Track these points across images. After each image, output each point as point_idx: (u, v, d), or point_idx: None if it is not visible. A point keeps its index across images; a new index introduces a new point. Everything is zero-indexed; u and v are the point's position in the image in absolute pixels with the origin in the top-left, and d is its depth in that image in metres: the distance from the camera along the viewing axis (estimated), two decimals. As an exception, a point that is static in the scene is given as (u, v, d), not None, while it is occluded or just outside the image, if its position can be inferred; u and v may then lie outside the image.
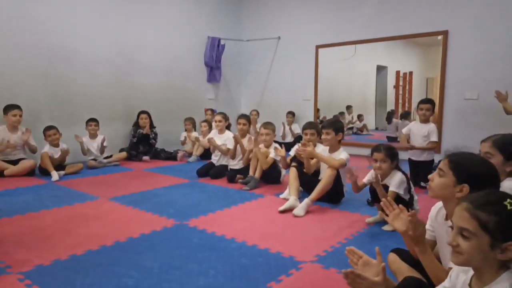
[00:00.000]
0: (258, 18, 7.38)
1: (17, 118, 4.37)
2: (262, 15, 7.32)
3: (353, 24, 6.14)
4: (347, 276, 1.25)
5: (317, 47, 6.59)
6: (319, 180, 3.15)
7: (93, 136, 5.01)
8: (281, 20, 7.05)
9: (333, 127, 3.21)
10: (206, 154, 5.44)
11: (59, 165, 4.38)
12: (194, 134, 5.91)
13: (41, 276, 1.88)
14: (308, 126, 3.50)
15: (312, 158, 3.28)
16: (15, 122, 4.37)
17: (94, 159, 4.97)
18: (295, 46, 6.87)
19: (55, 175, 4.13)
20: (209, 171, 4.33)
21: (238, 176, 4.07)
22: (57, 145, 4.43)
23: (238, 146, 4.20)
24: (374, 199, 2.66)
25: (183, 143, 6.10)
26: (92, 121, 5.01)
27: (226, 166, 4.35)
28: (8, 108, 4.38)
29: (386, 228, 2.57)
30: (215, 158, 4.50)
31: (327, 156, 3.19)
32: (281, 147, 3.69)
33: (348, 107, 7.02)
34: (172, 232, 2.55)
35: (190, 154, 5.74)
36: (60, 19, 4.98)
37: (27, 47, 4.70)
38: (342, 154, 3.17)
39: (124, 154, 5.38)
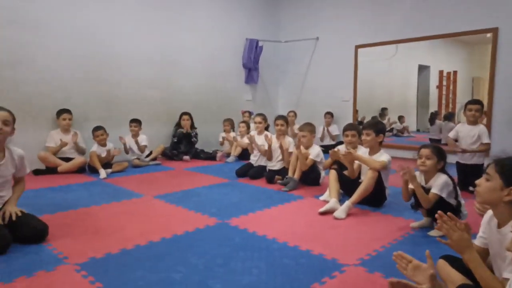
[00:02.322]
0: (296, 19, 7.38)
1: (67, 121, 4.70)
2: (300, 16, 7.31)
3: (394, 23, 6.00)
4: (393, 285, 1.24)
5: (357, 47, 6.49)
6: (359, 183, 3.11)
7: (134, 136, 5.23)
8: (320, 20, 7.00)
9: (374, 129, 3.15)
10: (244, 154, 5.52)
11: (106, 164, 4.60)
12: (232, 134, 6.01)
13: (95, 268, 2.00)
14: (349, 127, 3.46)
15: (351, 161, 3.24)
16: (66, 125, 4.69)
17: (138, 158, 5.18)
18: (334, 47, 6.81)
19: (102, 173, 4.35)
20: (248, 172, 4.39)
21: (277, 177, 4.09)
22: (104, 145, 4.66)
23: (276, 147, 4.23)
24: (419, 203, 2.59)
25: (222, 143, 6.21)
26: (133, 122, 5.22)
27: (265, 166, 4.39)
28: (59, 113, 4.72)
29: (432, 233, 2.49)
30: (254, 159, 4.55)
31: (368, 157, 3.14)
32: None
33: (383, 109, 6.82)
34: (214, 230, 2.62)
35: (228, 155, 5.83)
36: (107, 26, 5.23)
37: (77, 53, 4.98)
38: (383, 156, 3.11)
39: (161, 147, 5.55)
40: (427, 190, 2.50)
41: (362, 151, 3.29)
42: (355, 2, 6.49)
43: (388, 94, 7.11)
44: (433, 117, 6.35)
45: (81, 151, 4.78)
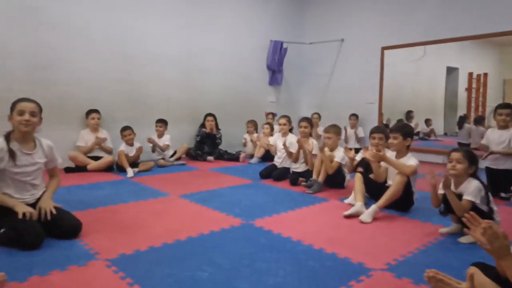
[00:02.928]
0: (321, 21, 7.34)
1: (95, 121, 4.84)
2: (325, 18, 7.27)
3: (421, 24, 5.88)
4: (430, 279, 1.22)
5: (383, 48, 6.40)
6: (386, 187, 3.06)
7: (159, 135, 5.33)
8: (345, 22, 6.94)
9: (401, 132, 3.10)
10: (267, 155, 5.52)
11: (133, 163, 4.71)
12: (255, 136, 6.04)
13: (125, 264, 2.05)
14: (376, 130, 3.42)
15: (379, 162, 3.19)
16: (94, 124, 4.84)
17: (163, 158, 5.28)
18: (359, 48, 6.73)
19: (130, 171, 4.46)
20: (272, 173, 4.39)
21: (300, 179, 4.08)
22: (132, 145, 4.78)
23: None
24: (448, 208, 2.52)
25: (245, 145, 6.25)
26: (159, 122, 5.33)
27: (289, 168, 4.38)
28: (88, 113, 4.89)
29: (463, 240, 2.43)
30: (278, 160, 4.55)
31: (398, 161, 3.08)
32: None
33: (409, 112, 6.67)
34: (239, 231, 2.64)
35: (251, 156, 5.86)
36: (135, 29, 5.37)
37: (106, 55, 5.13)
38: (411, 160, 3.05)
39: (185, 146, 5.62)
40: (457, 196, 2.44)
41: (389, 155, 3.23)
42: (381, 2, 6.40)
43: (415, 97, 6.97)
44: (461, 121, 6.18)
45: (107, 151, 4.92)
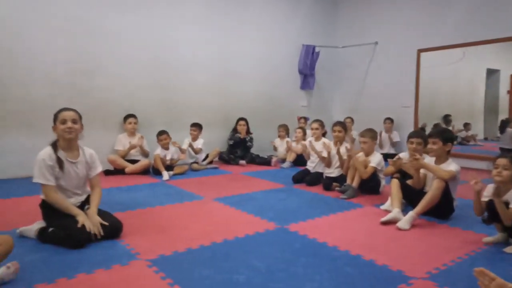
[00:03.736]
0: (353, 24, 7.26)
1: (132, 125, 5.02)
2: (358, 21, 7.18)
3: (460, 25, 5.69)
4: (479, 274, 1.21)
5: (419, 51, 6.24)
6: (424, 193, 2.98)
7: (194, 139, 5.44)
8: (379, 24, 6.83)
9: (441, 137, 3.00)
10: (299, 160, 5.51)
11: (169, 166, 4.84)
12: (286, 140, 6.03)
13: (165, 264, 2.11)
14: (414, 134, 3.33)
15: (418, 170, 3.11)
16: (131, 129, 5.02)
17: (196, 162, 5.38)
18: (394, 51, 6.60)
19: (165, 175, 4.58)
20: (305, 178, 4.37)
21: (334, 184, 4.04)
22: (167, 148, 4.91)
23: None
24: (493, 217, 2.42)
25: (275, 149, 6.25)
26: (193, 126, 5.44)
27: (322, 173, 4.34)
28: (126, 117, 5.08)
29: (508, 250, 2.32)
30: (311, 165, 4.52)
31: (436, 166, 2.99)
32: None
33: (447, 116, 6.43)
34: (274, 235, 2.65)
35: (283, 160, 5.86)
36: (169, 36, 5.52)
37: (142, 62, 5.31)
38: (451, 166, 2.95)
39: (217, 150, 5.69)
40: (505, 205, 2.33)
41: (428, 161, 3.14)
42: (417, 3, 6.25)
43: (453, 100, 6.73)
44: (503, 125, 5.89)
45: (145, 154, 5.08)
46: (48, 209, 2.45)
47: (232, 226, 2.83)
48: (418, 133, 3.37)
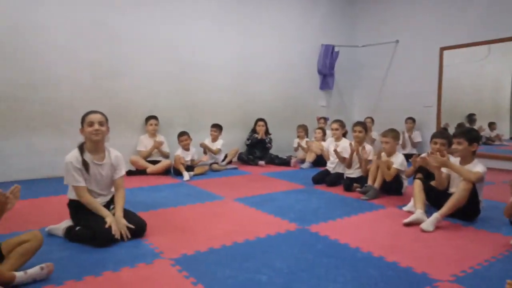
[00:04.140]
0: (373, 22, 7.17)
1: (153, 127, 5.11)
2: (378, 20, 7.09)
3: (484, 22, 5.53)
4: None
5: (442, 49, 6.11)
6: (448, 194, 2.91)
7: (213, 140, 5.49)
8: (400, 23, 6.72)
9: (466, 137, 2.92)
10: (319, 161, 5.48)
11: (189, 167, 4.90)
12: (305, 141, 6.01)
13: (188, 264, 2.14)
14: (438, 134, 3.26)
15: (440, 168, 3.03)
16: (152, 130, 5.12)
17: (216, 163, 5.42)
18: (416, 49, 6.48)
19: (186, 175, 4.64)
20: (325, 178, 4.35)
21: (355, 184, 4.00)
22: (188, 149, 4.97)
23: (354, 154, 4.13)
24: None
25: (296, 149, 6.24)
26: (213, 127, 5.49)
27: (342, 174, 4.31)
28: (147, 119, 5.18)
29: (539, 253, 2.25)
30: (331, 166, 4.49)
31: (462, 167, 2.92)
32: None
33: (471, 115, 6.25)
34: (295, 236, 2.65)
35: (302, 161, 5.84)
36: (188, 37, 5.59)
37: (163, 64, 5.40)
38: (478, 167, 2.87)
39: (235, 149, 5.72)
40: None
41: (452, 161, 3.07)
42: (439, 0, 6.11)
43: (477, 99, 6.54)
44: (531, 124, 5.71)
45: (165, 156, 5.16)
46: (75, 208, 2.52)
47: (253, 226, 2.84)
48: (443, 133, 3.29)
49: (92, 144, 2.52)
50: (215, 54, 5.88)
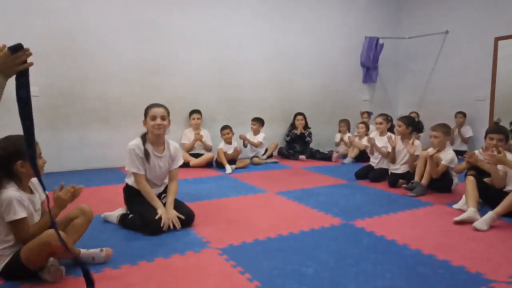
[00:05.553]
0: (420, 13, 6.87)
1: (196, 121, 5.23)
2: (425, 9, 6.78)
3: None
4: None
5: (496, 39, 5.74)
6: (505, 193, 2.76)
7: (255, 133, 5.53)
8: (449, 12, 6.39)
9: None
10: (362, 156, 5.37)
11: (231, 160, 4.98)
12: (348, 135, 5.90)
13: (234, 254, 2.19)
14: (494, 130, 3.08)
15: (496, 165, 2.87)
16: (195, 124, 5.24)
17: (257, 156, 5.47)
18: (467, 40, 6.14)
19: (228, 168, 4.72)
20: (368, 174, 4.26)
21: (401, 181, 3.88)
22: (230, 143, 5.05)
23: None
24: None
25: (338, 144, 6.15)
26: (253, 120, 5.53)
27: (387, 169, 4.20)
28: (191, 113, 5.31)
29: None
30: (375, 161, 4.38)
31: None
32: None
33: None
34: (340, 231, 2.63)
35: (344, 156, 5.75)
36: (230, 35, 5.63)
37: (206, 60, 5.49)
38: (537, 164, 2.70)
39: (275, 143, 5.72)
40: None
41: (509, 158, 2.90)
42: (494, -13, 5.75)
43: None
44: None
45: (207, 149, 5.27)
46: (130, 194, 2.65)
47: (297, 220, 2.85)
48: (499, 128, 3.11)
49: (154, 136, 2.61)
50: (256, 50, 5.89)
